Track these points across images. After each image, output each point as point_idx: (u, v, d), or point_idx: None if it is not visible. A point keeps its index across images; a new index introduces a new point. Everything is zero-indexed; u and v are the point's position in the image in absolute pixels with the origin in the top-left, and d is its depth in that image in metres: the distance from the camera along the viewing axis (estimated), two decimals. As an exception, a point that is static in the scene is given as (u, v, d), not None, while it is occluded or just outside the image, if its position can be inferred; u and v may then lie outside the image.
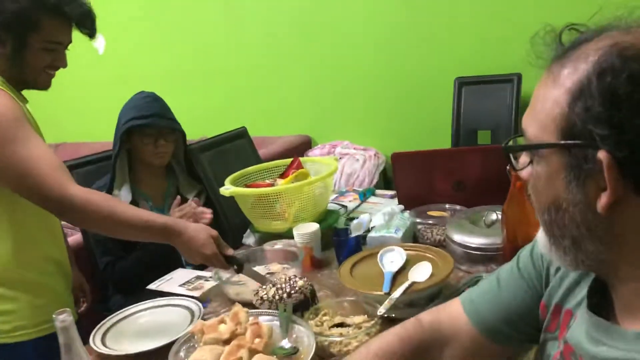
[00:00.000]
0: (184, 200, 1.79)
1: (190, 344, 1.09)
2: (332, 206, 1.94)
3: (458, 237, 1.43)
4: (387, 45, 2.99)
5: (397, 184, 1.82)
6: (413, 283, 1.21)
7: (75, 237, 2.03)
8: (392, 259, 1.35)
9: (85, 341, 1.17)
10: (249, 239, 1.82)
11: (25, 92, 1.42)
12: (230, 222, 1.99)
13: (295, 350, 1.03)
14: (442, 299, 1.19)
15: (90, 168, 2.00)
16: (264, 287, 1.30)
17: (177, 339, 1.12)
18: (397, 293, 1.17)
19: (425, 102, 2.93)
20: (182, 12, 3.52)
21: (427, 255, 1.36)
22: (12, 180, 1.24)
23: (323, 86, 3.23)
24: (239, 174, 1.89)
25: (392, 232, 1.54)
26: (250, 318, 1.12)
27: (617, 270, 0.59)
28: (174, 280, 1.57)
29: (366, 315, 1.17)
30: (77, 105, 3.81)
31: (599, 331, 0.60)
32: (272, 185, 1.82)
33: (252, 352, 1.01)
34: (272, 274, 1.48)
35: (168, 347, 1.11)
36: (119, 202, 1.32)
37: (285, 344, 1.06)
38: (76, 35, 1.42)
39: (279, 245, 1.60)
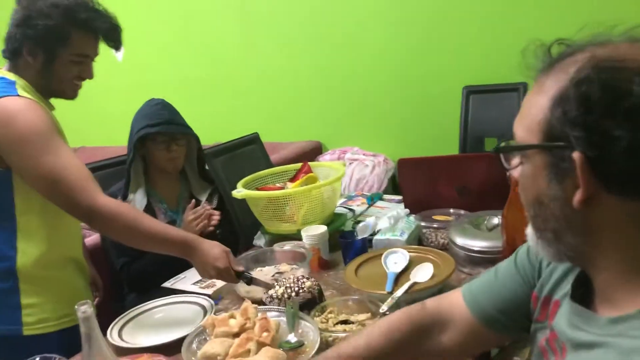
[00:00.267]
0: (197, 202, 1.86)
1: (202, 337, 1.15)
2: (340, 210, 2.00)
3: (460, 241, 1.48)
4: (397, 55, 3.05)
5: (403, 189, 1.87)
6: (415, 283, 1.26)
7: (93, 238, 2.11)
8: (395, 260, 1.40)
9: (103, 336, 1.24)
10: (260, 240, 1.89)
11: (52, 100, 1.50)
12: (242, 224, 2.05)
13: (300, 344, 1.09)
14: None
15: (108, 171, 2.08)
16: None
17: (189, 333, 1.19)
18: (399, 292, 1.23)
19: (434, 110, 2.98)
20: (198, 22, 3.61)
21: (430, 257, 1.42)
22: (44, 188, 1.33)
23: (334, 94, 3.30)
24: (250, 177, 1.95)
25: (397, 235, 1.59)
26: (259, 314, 1.18)
27: (594, 261, 0.64)
28: (187, 279, 1.64)
29: (370, 314, 1.22)
30: (97, 111, 3.91)
31: (578, 318, 0.65)
32: (282, 188, 1.88)
33: (260, 344, 1.06)
34: (280, 273, 1.53)
35: (181, 340, 1.17)
36: (143, 216, 1.38)
37: (292, 338, 1.12)
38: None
39: (287, 246, 1.66)
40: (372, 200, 2.13)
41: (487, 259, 1.43)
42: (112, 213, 1.30)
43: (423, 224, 1.69)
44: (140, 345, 1.26)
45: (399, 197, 2.12)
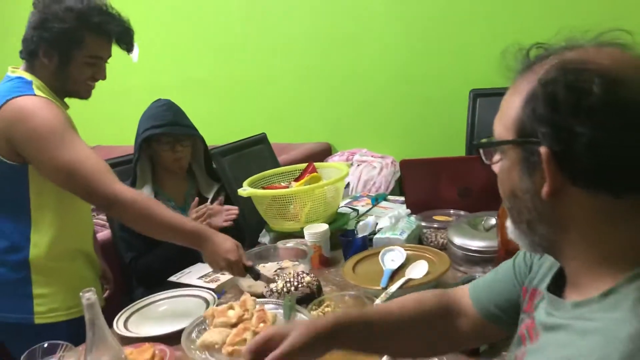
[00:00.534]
0: (204, 200, 1.91)
1: (202, 327, 1.20)
2: (344, 209, 2.04)
3: (458, 240, 1.51)
4: (405, 58, 3.08)
5: (406, 190, 1.90)
6: (409, 279, 1.30)
7: (104, 233, 2.17)
8: (392, 258, 1.44)
9: (110, 327, 1.29)
10: (265, 238, 1.93)
11: (66, 100, 1.57)
12: (248, 223, 2.10)
13: (295, 335, 1.13)
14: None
15: (120, 169, 2.14)
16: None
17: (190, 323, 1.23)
18: (393, 288, 1.27)
19: (441, 113, 3.01)
20: (208, 24, 3.67)
21: (426, 255, 1.45)
22: (63, 179, 1.39)
23: (344, 96, 3.34)
24: (257, 176, 2.00)
25: (397, 234, 1.62)
26: (257, 306, 1.23)
27: (563, 251, 0.67)
28: (192, 274, 1.69)
29: (365, 308, 1.27)
30: (112, 111, 3.99)
31: (551, 306, 0.69)
32: (287, 187, 1.92)
33: (256, 334, 1.11)
34: (282, 269, 1.58)
35: (182, 331, 1.22)
36: (158, 204, 1.43)
37: (287, 329, 1.16)
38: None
39: (290, 243, 1.71)
40: (376, 200, 2.16)
41: (483, 259, 1.47)
42: (129, 200, 1.36)
43: (423, 224, 1.72)
44: (145, 334, 1.32)
45: (403, 198, 2.15)
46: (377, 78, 3.20)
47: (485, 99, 2.69)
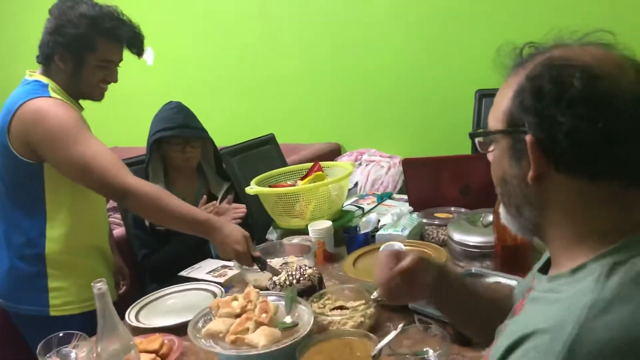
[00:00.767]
0: (214, 198, 1.97)
1: (207, 317, 1.25)
2: (350, 207, 2.09)
3: (457, 236, 1.55)
4: (412, 60, 3.13)
5: (408, 188, 1.94)
6: (406, 273, 1.34)
7: (119, 230, 2.25)
8: (392, 253, 1.48)
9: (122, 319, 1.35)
10: (272, 235, 1.99)
11: (81, 102, 1.64)
12: (256, 220, 2.16)
13: (294, 324, 1.18)
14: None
15: (134, 169, 2.21)
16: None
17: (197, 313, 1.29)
18: (390, 281, 1.31)
19: (448, 113, 3.05)
20: (218, 29, 3.75)
21: (425, 250, 1.49)
22: (79, 174, 1.47)
23: (352, 97, 3.39)
24: (264, 175, 2.06)
25: (399, 231, 1.67)
26: (260, 298, 1.28)
27: (547, 233, 0.73)
28: (202, 269, 1.75)
29: (364, 300, 1.31)
30: (127, 113, 4.09)
31: (536, 282, 0.75)
32: (293, 186, 1.98)
33: (258, 324, 1.16)
34: (288, 264, 1.63)
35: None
36: (171, 196, 1.49)
37: (288, 319, 1.21)
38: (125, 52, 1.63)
39: (295, 240, 1.76)
40: (381, 198, 2.21)
41: (481, 254, 1.51)
42: (143, 191, 1.43)
43: (425, 221, 1.76)
44: (155, 325, 1.38)
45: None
46: (384, 79, 3.25)
47: (490, 99, 2.67)
